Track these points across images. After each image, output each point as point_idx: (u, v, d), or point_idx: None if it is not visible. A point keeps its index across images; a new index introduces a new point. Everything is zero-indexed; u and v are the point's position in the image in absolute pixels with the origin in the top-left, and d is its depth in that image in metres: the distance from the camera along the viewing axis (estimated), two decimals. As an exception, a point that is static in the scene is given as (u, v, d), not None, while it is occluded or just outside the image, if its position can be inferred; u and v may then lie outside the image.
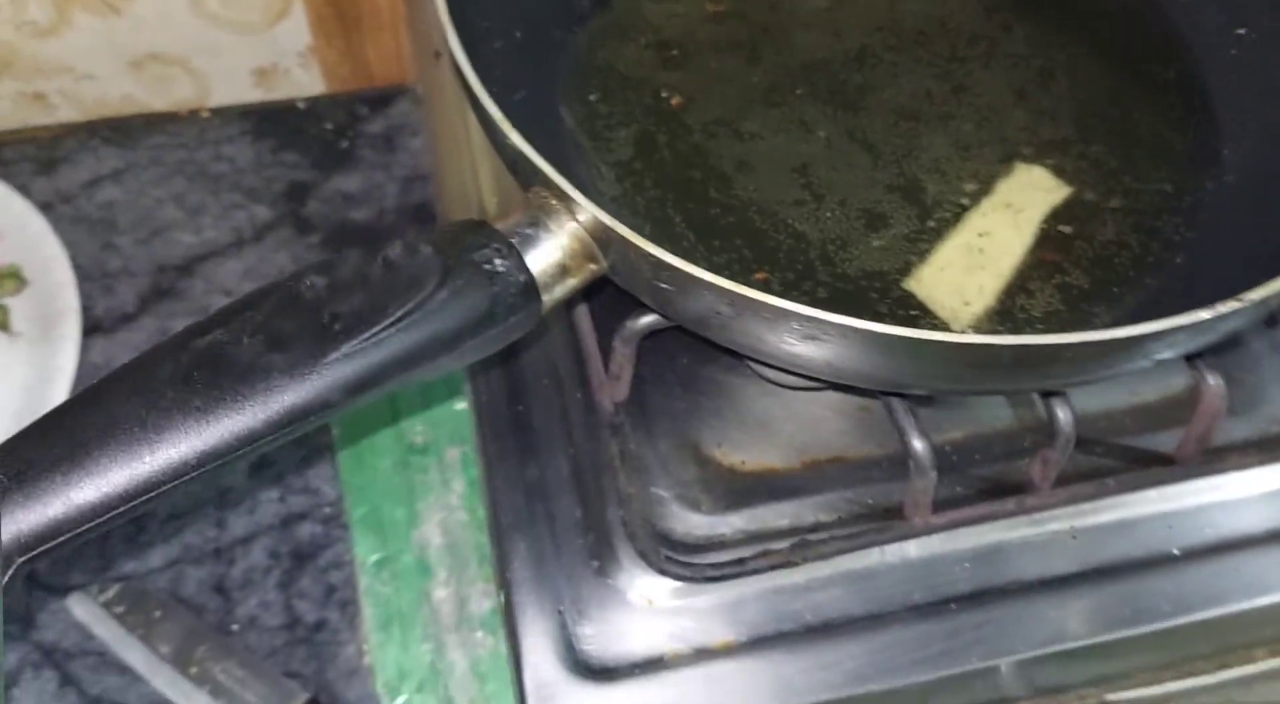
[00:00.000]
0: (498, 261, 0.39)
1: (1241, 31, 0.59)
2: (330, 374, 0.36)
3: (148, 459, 0.33)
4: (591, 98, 0.57)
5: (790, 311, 0.39)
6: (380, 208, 0.81)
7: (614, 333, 0.52)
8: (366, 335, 0.36)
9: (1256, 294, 0.40)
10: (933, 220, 0.55)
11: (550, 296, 0.42)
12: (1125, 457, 0.55)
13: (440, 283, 0.38)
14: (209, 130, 0.83)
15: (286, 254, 0.80)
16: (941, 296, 0.52)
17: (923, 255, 0.54)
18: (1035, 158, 0.57)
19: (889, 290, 0.53)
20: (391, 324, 0.36)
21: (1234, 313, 0.40)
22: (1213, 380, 0.52)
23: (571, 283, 0.43)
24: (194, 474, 0.33)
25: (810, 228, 0.54)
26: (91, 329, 0.74)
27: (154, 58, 0.80)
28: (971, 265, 0.53)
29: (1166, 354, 0.43)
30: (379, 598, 0.62)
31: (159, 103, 0.83)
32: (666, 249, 0.53)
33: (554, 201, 0.42)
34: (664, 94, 0.58)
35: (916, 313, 0.52)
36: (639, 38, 0.60)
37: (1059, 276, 0.53)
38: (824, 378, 0.46)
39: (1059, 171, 0.56)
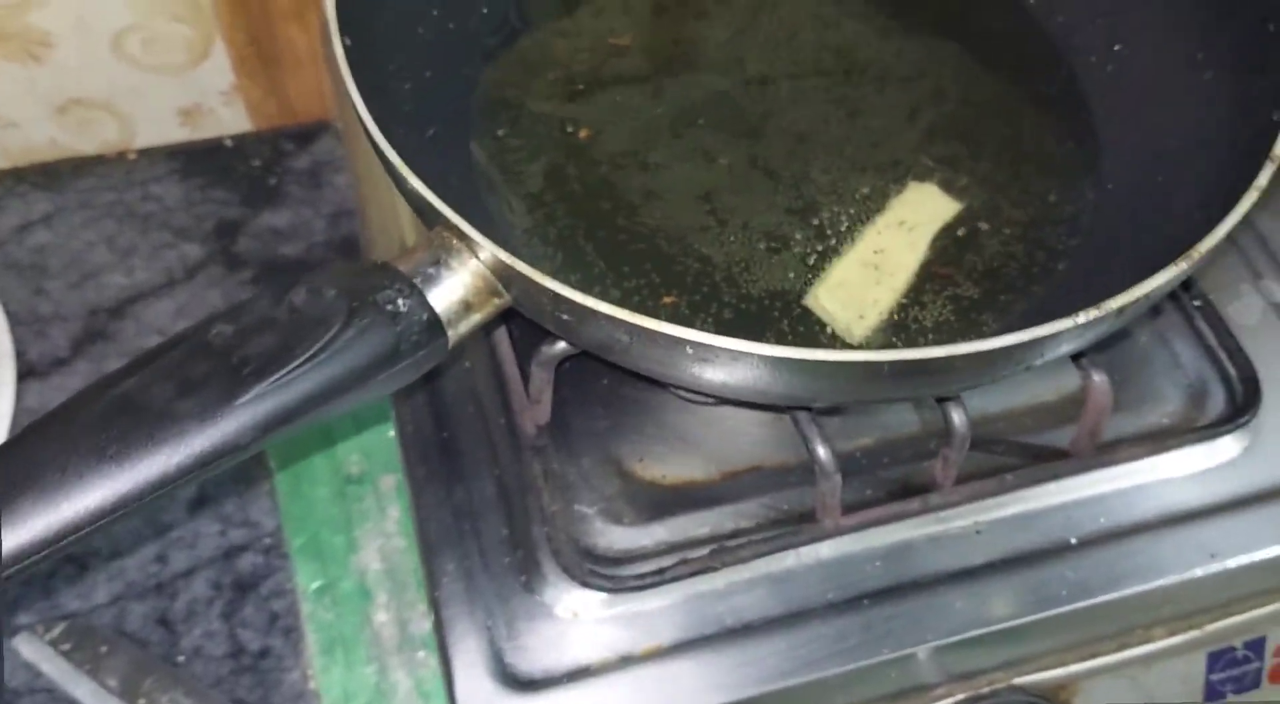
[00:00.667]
0: (400, 302, 0.42)
1: (1118, 48, 0.62)
2: (242, 415, 0.37)
3: (65, 506, 0.34)
4: (501, 133, 0.60)
5: (681, 338, 0.42)
6: (309, 243, 0.83)
7: (533, 358, 0.54)
8: (275, 377, 0.38)
9: (1115, 303, 0.43)
10: (831, 240, 0.57)
11: (456, 332, 0.44)
12: (1024, 454, 0.58)
13: (345, 324, 0.40)
14: (136, 171, 0.84)
15: (218, 291, 0.81)
16: (838, 312, 0.54)
17: (821, 273, 0.56)
18: (928, 175, 0.60)
19: (790, 308, 0.55)
20: (300, 365, 0.38)
21: (1096, 321, 0.43)
22: (1098, 378, 0.55)
23: (477, 318, 0.45)
24: (111, 517, 0.35)
25: (715, 252, 0.57)
26: (26, 374, 0.75)
27: (78, 102, 0.81)
28: (867, 281, 0.56)
29: (1039, 360, 0.46)
30: (321, 623, 0.63)
31: (86, 146, 0.84)
32: (577, 278, 0.56)
33: (455, 241, 0.45)
34: (571, 128, 0.60)
35: (815, 328, 0.54)
36: (546, 73, 0.62)
37: (951, 288, 0.56)
38: (727, 396, 0.48)
39: (950, 187, 0.59)
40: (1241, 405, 0.59)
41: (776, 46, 0.64)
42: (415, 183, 0.45)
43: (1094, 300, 0.50)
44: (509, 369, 0.58)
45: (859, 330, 0.54)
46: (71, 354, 0.77)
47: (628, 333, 0.43)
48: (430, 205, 0.44)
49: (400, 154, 0.47)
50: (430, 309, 0.43)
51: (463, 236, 0.44)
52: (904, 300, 0.55)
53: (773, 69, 0.63)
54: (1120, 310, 0.43)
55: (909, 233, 0.58)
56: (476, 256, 0.45)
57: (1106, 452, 0.58)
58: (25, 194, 0.83)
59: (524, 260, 0.54)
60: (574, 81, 0.62)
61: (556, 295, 0.43)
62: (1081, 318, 0.43)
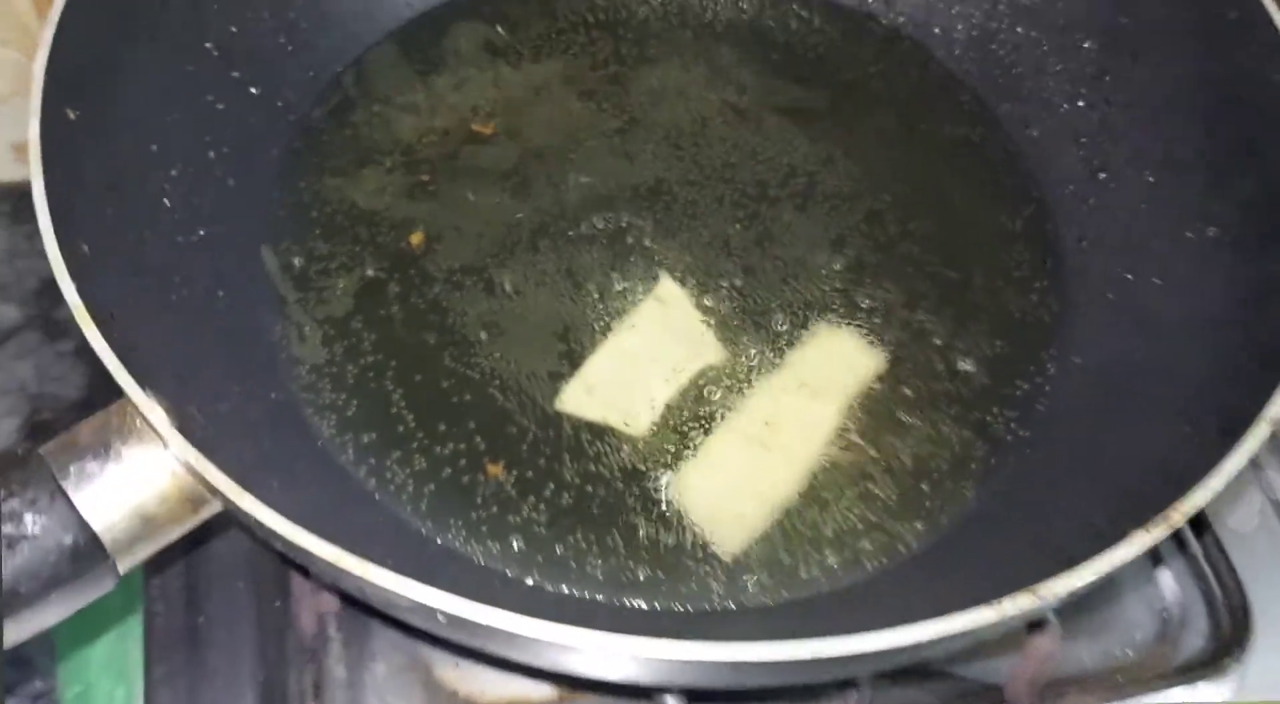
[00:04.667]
0: (30, 519, 0.29)
1: (1103, 176, 0.50)
2: None
3: None
4: (309, 234, 0.47)
5: (424, 605, 0.29)
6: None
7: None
8: None
9: (1059, 586, 0.30)
10: (710, 405, 0.44)
11: (129, 556, 0.31)
12: (952, 691, 0.45)
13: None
14: (-46, 212, 0.71)
15: (30, 363, 0.68)
16: (710, 511, 0.42)
17: (694, 449, 0.43)
18: (846, 322, 0.47)
19: (651, 496, 0.42)
20: None
21: (1033, 610, 0.30)
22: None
23: (164, 535, 0.32)
24: None
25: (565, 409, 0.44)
26: None
27: (-124, 134, 0.68)
28: (753, 465, 0.43)
29: (958, 647, 0.33)
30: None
31: (-109, 184, 0.71)
32: (373, 437, 0.43)
33: (139, 421, 0.32)
34: (404, 231, 0.47)
35: (682, 530, 0.41)
36: (383, 159, 0.49)
37: (863, 483, 0.43)
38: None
39: (873, 341, 0.46)
40: (1228, 640, 0.47)
41: (676, 144, 0.51)
42: (88, 329, 0.32)
43: (1044, 525, 0.38)
44: (291, 539, 0.45)
45: (734, 542, 0.41)
46: None
47: (357, 585, 0.30)
48: (103, 363, 0.31)
49: (105, 276, 0.34)
50: (82, 527, 0.30)
51: (143, 415, 0.31)
52: (800, 495, 0.42)
53: (669, 172, 0.50)
54: (1069, 595, 0.30)
55: (812, 399, 0.45)
56: (167, 446, 0.32)
57: (1051, 698, 0.45)
58: None
59: (303, 413, 0.42)
60: (417, 170, 0.49)
61: (258, 522, 0.30)
62: (1010, 606, 0.30)
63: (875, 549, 0.42)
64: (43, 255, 0.76)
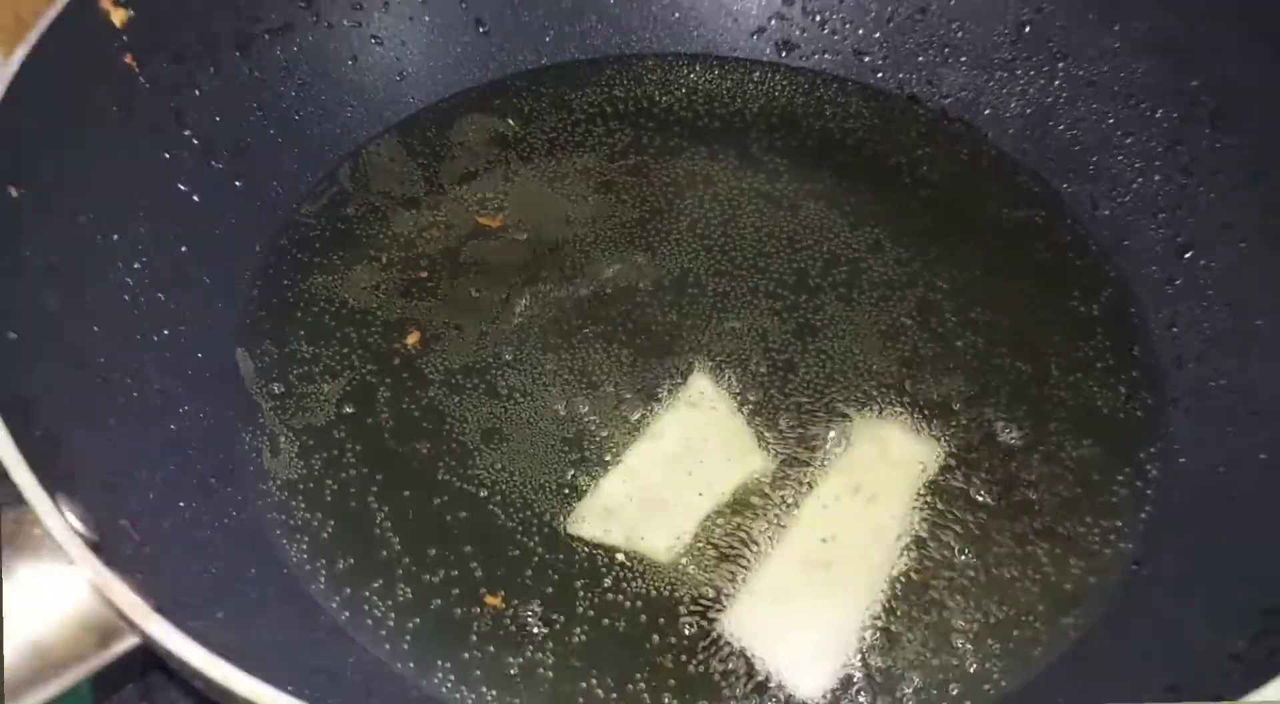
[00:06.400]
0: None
1: (1189, 254, 0.44)
2: None
3: None
4: (290, 335, 0.42)
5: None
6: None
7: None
8: None
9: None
10: (757, 521, 0.38)
11: (22, 699, 0.25)
12: None
13: None
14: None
15: None
16: (776, 648, 0.34)
17: (739, 576, 0.36)
18: (906, 423, 0.40)
19: (682, 629, 0.35)
20: None
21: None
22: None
23: (66, 674, 0.25)
24: None
25: (578, 529, 0.37)
26: None
27: None
28: (813, 589, 0.36)
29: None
30: None
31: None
32: (351, 564, 0.36)
33: (37, 531, 0.25)
34: (399, 332, 0.42)
35: (718, 670, 0.34)
36: (380, 255, 0.45)
37: (934, 611, 0.36)
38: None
39: (943, 448, 0.40)
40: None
41: (704, 233, 0.46)
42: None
43: (1172, 657, 0.30)
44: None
45: (808, 685, 0.34)
46: None
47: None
48: None
49: (9, 368, 0.29)
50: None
51: (43, 527, 0.25)
52: (871, 618, 0.35)
53: (695, 262, 0.45)
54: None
55: (869, 504, 0.38)
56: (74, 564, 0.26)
57: None
58: None
59: (272, 535, 0.36)
60: (415, 267, 0.44)
61: (171, 654, 0.23)
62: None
63: (958, 688, 0.34)
64: None
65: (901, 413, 0.41)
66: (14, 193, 0.34)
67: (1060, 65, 0.48)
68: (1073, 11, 0.47)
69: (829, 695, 0.34)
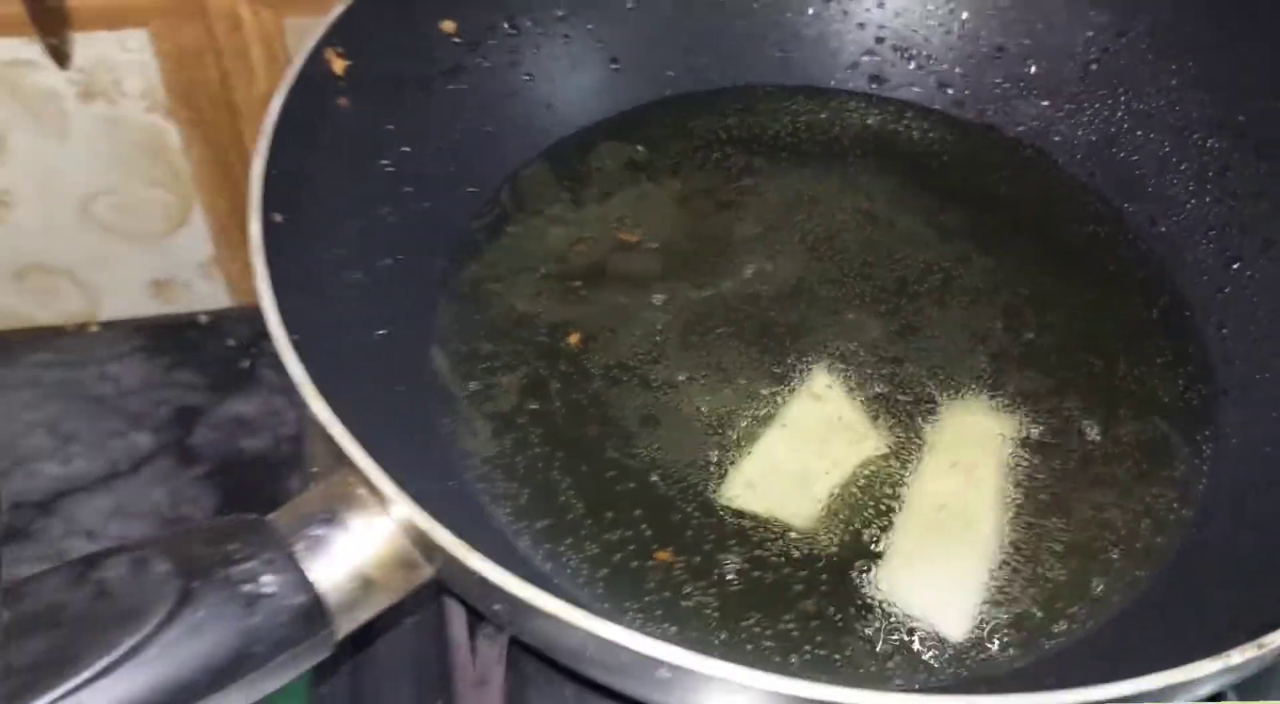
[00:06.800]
0: (266, 579, 0.30)
1: (1236, 266, 0.51)
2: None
3: None
4: (473, 335, 0.49)
5: (657, 659, 0.29)
6: (276, 435, 0.72)
7: (480, 626, 0.42)
8: (43, 702, 0.26)
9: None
10: (876, 494, 0.45)
11: (349, 619, 0.33)
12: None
13: (171, 615, 0.28)
14: (96, 347, 0.75)
15: (164, 489, 0.71)
16: (923, 600, 0.42)
17: (871, 541, 0.44)
18: (997, 408, 0.48)
19: (821, 581, 0.43)
20: (86, 683, 0.27)
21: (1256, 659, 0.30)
22: None
23: (380, 600, 0.33)
24: None
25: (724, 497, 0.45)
26: (-74, 576, 0.64)
27: (38, 268, 0.73)
28: (943, 551, 0.43)
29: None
30: None
31: (43, 316, 0.76)
32: (546, 524, 0.44)
33: (361, 490, 0.33)
34: (561, 332, 0.50)
35: (855, 609, 0.42)
36: (538, 267, 0.52)
37: (1033, 565, 0.43)
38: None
39: (1027, 428, 0.47)
40: None
41: (814, 247, 0.53)
42: (316, 405, 0.34)
43: (1222, 601, 0.37)
44: (455, 630, 0.46)
45: (955, 624, 0.41)
46: (-17, 555, 0.66)
47: (583, 641, 0.31)
48: (331, 437, 0.33)
49: (316, 364, 0.36)
50: (309, 589, 0.31)
51: (369, 484, 0.32)
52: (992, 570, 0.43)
53: (809, 272, 0.52)
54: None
55: (967, 477, 0.45)
56: (388, 513, 0.33)
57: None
58: (-33, 367, 0.74)
59: (480, 501, 0.44)
60: (569, 277, 0.52)
61: (484, 581, 0.31)
62: (1236, 657, 0.30)
63: (1042, 632, 0.42)
64: (176, 385, 0.79)
65: (992, 401, 0.48)
66: (278, 218, 0.41)
67: (1122, 100, 0.55)
68: (1134, 53, 0.55)
69: (972, 633, 0.41)
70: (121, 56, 0.65)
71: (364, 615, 0.33)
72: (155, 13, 0.63)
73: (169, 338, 0.77)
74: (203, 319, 0.78)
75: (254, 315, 0.86)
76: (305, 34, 0.67)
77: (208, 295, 0.78)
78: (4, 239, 0.71)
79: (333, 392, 0.36)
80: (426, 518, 0.31)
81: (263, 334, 0.85)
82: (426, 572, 0.34)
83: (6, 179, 0.69)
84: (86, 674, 0.27)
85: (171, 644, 0.28)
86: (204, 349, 0.77)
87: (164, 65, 0.66)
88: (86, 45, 0.64)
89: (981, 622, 0.42)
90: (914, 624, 0.42)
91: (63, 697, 0.27)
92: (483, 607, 0.34)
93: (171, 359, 0.76)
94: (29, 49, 0.63)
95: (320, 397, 0.34)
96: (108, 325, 0.77)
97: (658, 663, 0.29)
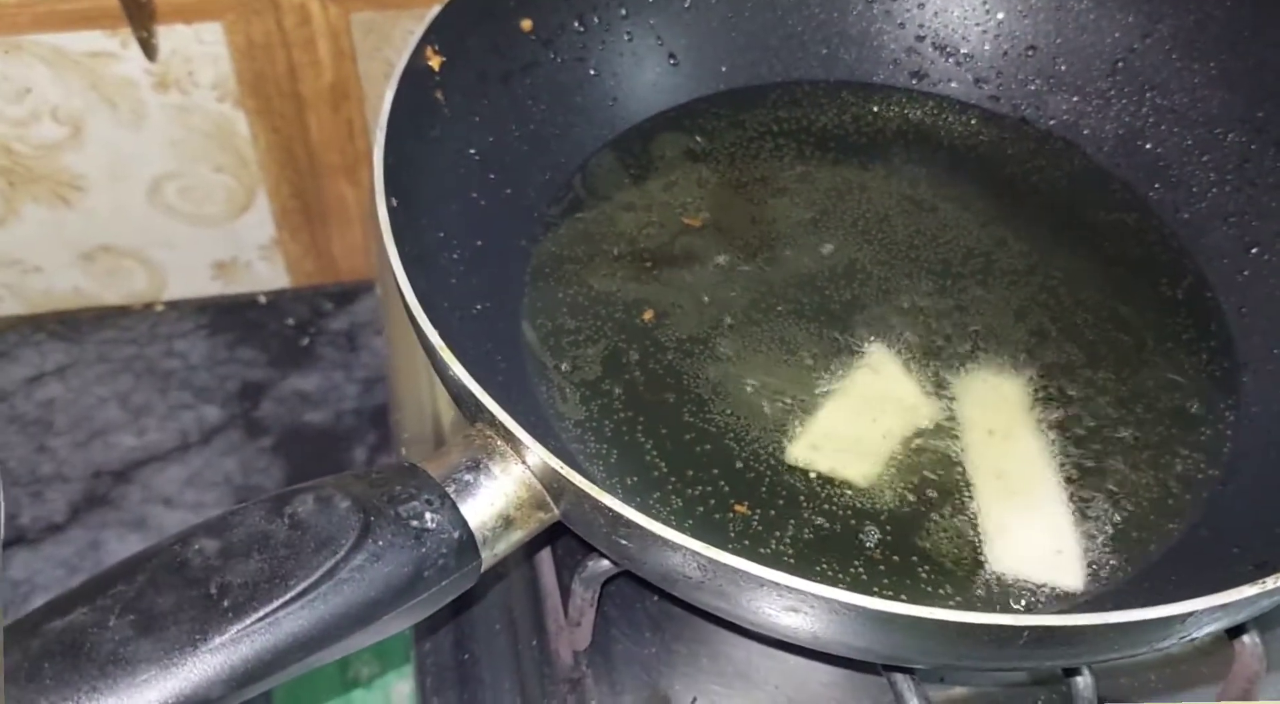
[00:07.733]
0: (429, 516, 0.34)
1: (1254, 250, 0.55)
2: (212, 663, 0.30)
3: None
4: (557, 312, 0.53)
5: (770, 581, 0.34)
6: (338, 410, 0.76)
7: (576, 572, 0.46)
8: (261, 613, 0.30)
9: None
10: (929, 453, 0.49)
11: (491, 553, 0.37)
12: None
13: (356, 544, 0.32)
14: (162, 325, 0.79)
15: (235, 459, 0.74)
16: (1023, 565, 0.46)
17: (914, 496, 0.48)
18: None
19: (887, 534, 0.47)
20: (294, 598, 0.31)
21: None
22: (1248, 639, 0.46)
23: (517, 536, 0.37)
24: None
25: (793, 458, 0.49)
26: (14, 540, 0.68)
27: (107, 250, 0.77)
28: (1020, 513, 0.47)
29: (1206, 631, 0.37)
30: None
31: (111, 296, 0.79)
32: (634, 481, 0.48)
33: (499, 441, 0.37)
34: (635, 309, 0.54)
35: (916, 561, 0.46)
36: (611, 249, 0.56)
37: (1079, 523, 0.48)
38: (813, 649, 0.40)
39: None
40: None
41: (864, 231, 0.58)
42: (458, 370, 0.38)
43: (1246, 545, 0.42)
44: (548, 581, 0.50)
45: (1073, 578, 0.46)
46: (67, 520, 0.70)
47: (700, 567, 0.35)
48: (473, 397, 0.37)
49: (442, 333, 0.40)
50: (464, 525, 0.35)
51: (509, 437, 0.37)
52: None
53: (861, 254, 0.57)
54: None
55: (1006, 442, 0.50)
56: (523, 461, 0.37)
57: (1255, 725, 0.48)
58: (40, 343, 0.77)
59: (577, 459, 0.48)
60: (641, 259, 0.56)
61: (616, 515, 0.35)
62: (1272, 582, 0.34)
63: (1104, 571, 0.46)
64: (239, 361, 0.83)
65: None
66: (394, 202, 0.45)
67: (1148, 96, 0.60)
68: (1160, 53, 0.59)
69: (988, 583, 0.46)
70: (196, 48, 0.68)
71: (503, 551, 0.37)
72: (229, 7, 0.67)
73: (231, 317, 0.81)
74: (262, 299, 0.82)
75: (311, 296, 0.90)
76: (370, 29, 0.71)
77: (267, 276, 0.81)
78: (76, 222, 0.75)
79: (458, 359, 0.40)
80: (560, 462, 0.36)
81: (320, 313, 0.90)
82: (554, 513, 0.38)
83: (81, 165, 0.72)
84: (291, 594, 0.31)
85: (359, 568, 0.32)
86: (264, 328, 0.81)
87: (235, 57, 0.69)
88: (164, 38, 0.67)
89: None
90: (1040, 590, 0.46)
91: (276, 610, 0.31)
92: (604, 541, 0.38)
93: (234, 337, 0.80)
94: (108, 41, 0.67)
95: (459, 361, 0.38)
96: (172, 305, 0.81)
97: (768, 583, 0.33)
